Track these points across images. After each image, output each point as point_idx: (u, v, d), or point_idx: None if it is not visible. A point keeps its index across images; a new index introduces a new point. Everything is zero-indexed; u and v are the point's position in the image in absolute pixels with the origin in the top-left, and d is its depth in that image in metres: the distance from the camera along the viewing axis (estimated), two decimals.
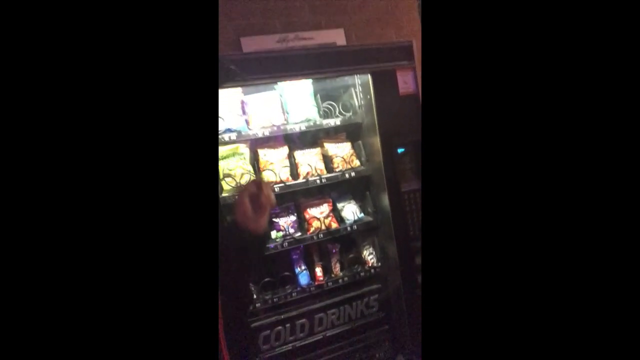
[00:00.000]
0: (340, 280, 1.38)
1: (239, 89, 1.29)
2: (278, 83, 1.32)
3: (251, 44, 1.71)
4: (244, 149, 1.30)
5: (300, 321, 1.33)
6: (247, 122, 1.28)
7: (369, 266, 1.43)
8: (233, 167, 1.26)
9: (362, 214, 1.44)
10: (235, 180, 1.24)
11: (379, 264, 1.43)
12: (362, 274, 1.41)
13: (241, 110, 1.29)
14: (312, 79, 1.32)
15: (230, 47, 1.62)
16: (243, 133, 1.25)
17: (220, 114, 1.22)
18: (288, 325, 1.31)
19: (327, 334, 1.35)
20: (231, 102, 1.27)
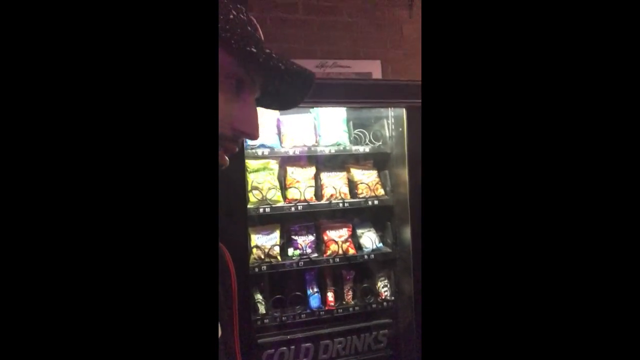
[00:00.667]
0: (351, 309, 1.35)
1: None
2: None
3: None
4: (274, 165, 1.35)
5: (306, 345, 1.30)
6: (280, 140, 1.34)
7: (381, 298, 1.39)
8: (262, 181, 1.30)
9: (381, 244, 1.43)
10: (261, 193, 1.28)
11: (393, 298, 1.39)
12: (374, 305, 1.37)
13: (276, 128, 1.36)
14: (349, 107, 1.36)
15: None
16: (275, 150, 1.30)
17: None
18: (293, 347, 1.28)
19: None
20: (268, 120, 1.33)
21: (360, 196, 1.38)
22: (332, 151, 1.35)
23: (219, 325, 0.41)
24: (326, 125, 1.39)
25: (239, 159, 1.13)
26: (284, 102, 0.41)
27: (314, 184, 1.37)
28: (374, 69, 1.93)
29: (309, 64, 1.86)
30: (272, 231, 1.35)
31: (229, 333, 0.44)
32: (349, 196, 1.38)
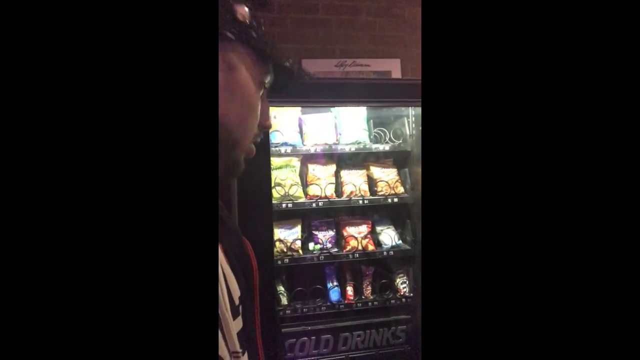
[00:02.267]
0: (370, 303, 1.38)
1: (299, 108, 1.40)
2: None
3: (311, 66, 1.85)
4: (296, 162, 1.40)
5: (326, 336, 1.34)
6: (302, 138, 1.39)
7: (400, 294, 1.41)
8: (284, 178, 1.35)
9: (400, 241, 1.45)
10: (284, 189, 1.33)
11: (411, 294, 1.41)
12: (392, 301, 1.40)
13: (298, 127, 1.40)
14: (369, 106, 1.39)
15: None
16: (297, 148, 1.35)
17: (279, 128, 1.34)
18: (313, 337, 1.33)
19: (350, 356, 1.35)
20: (290, 119, 1.38)
21: (380, 193, 1.40)
22: (352, 149, 1.38)
23: (241, 317, 0.42)
24: (346, 124, 1.42)
25: (265, 156, 1.18)
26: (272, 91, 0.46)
27: (334, 181, 1.41)
28: (394, 67, 1.93)
29: (328, 64, 1.89)
30: (293, 226, 1.40)
31: (251, 323, 0.45)
32: (368, 193, 1.41)
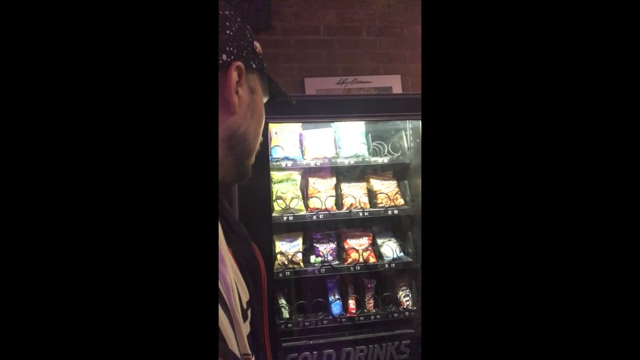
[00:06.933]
0: (372, 317, 1.37)
1: (299, 124, 1.46)
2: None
3: (314, 84, 1.93)
4: (297, 176, 1.44)
5: (328, 351, 1.32)
6: (302, 152, 1.43)
7: (403, 308, 1.39)
8: (285, 191, 1.39)
9: (402, 254, 1.44)
10: (285, 202, 1.36)
11: (414, 308, 1.39)
12: (395, 314, 1.38)
13: (299, 142, 1.45)
14: (367, 121, 1.43)
15: (294, 86, 1.85)
16: (298, 162, 1.39)
17: (280, 143, 1.39)
18: (315, 352, 1.31)
19: None
20: (291, 135, 1.44)
21: (380, 205, 1.41)
22: (352, 162, 1.41)
23: (249, 321, 0.43)
24: (345, 138, 1.46)
25: (265, 170, 1.23)
26: None
27: (334, 194, 1.43)
28: (394, 83, 1.99)
29: (331, 81, 1.96)
30: (295, 238, 1.42)
31: (259, 327, 0.46)
32: (368, 205, 1.42)
